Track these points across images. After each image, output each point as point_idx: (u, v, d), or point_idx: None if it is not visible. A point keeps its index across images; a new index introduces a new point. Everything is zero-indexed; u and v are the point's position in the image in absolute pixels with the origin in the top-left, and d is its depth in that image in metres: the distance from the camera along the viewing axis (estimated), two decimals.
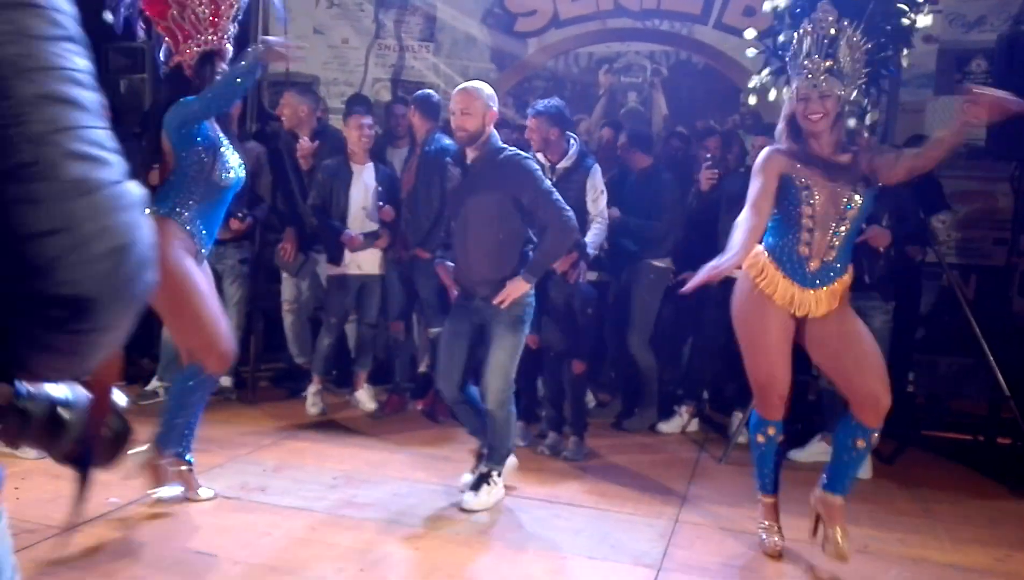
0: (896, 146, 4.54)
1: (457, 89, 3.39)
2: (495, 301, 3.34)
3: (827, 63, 2.85)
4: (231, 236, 4.62)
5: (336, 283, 4.77)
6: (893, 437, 4.52)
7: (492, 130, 3.39)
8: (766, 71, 3.22)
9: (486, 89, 3.40)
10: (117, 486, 3.35)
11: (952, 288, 4.48)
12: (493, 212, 3.35)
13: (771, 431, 3.07)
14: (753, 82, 3.28)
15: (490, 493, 3.41)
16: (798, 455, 4.20)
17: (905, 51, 3.03)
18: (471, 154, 3.38)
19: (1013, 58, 4.33)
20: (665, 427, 4.77)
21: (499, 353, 3.35)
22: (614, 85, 6.06)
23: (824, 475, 3.04)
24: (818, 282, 2.91)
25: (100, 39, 5.68)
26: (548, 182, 3.43)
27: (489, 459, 3.46)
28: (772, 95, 3.23)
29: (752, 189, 2.90)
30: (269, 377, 5.36)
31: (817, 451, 4.34)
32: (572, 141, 4.50)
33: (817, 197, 2.88)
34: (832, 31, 2.83)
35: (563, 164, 4.44)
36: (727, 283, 4.54)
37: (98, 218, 0.68)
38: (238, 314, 4.86)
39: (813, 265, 2.90)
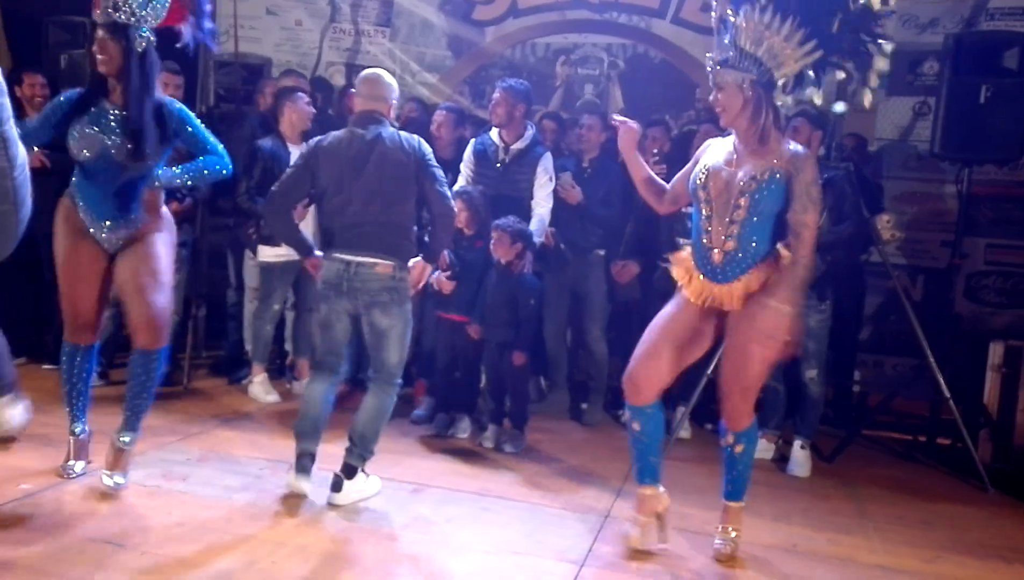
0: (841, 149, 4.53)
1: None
2: None
3: (718, 55, 2.80)
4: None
5: (278, 269, 4.66)
6: (834, 436, 4.54)
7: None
8: None
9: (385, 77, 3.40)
10: (32, 475, 3.25)
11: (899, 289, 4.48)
12: (390, 190, 3.31)
13: (625, 415, 3.07)
14: None
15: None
16: None
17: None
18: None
19: (959, 59, 4.34)
20: None
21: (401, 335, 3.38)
22: (571, 77, 6.00)
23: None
24: (726, 276, 2.83)
25: (40, 11, 5.54)
26: None
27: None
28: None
29: None
30: (208, 365, 5.24)
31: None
32: (529, 125, 4.49)
33: (712, 182, 2.83)
34: (718, 21, 2.78)
35: (517, 145, 4.43)
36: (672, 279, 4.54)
37: (24, 189, 0.89)
38: (176, 299, 4.74)
39: (716, 257, 2.84)
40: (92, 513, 2.97)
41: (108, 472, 3.16)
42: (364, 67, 6.00)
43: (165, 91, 4.11)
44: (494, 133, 4.50)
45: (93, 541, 2.74)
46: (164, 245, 3.23)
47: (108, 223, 3.15)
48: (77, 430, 3.31)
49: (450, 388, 4.39)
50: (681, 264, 2.97)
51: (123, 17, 3.04)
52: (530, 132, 4.48)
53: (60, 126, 3.11)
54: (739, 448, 2.96)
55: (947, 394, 4.23)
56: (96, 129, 3.08)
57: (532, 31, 6.03)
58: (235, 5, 5.29)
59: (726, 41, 2.79)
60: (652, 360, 2.93)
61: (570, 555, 2.95)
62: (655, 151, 4.49)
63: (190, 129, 3.24)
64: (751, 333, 2.80)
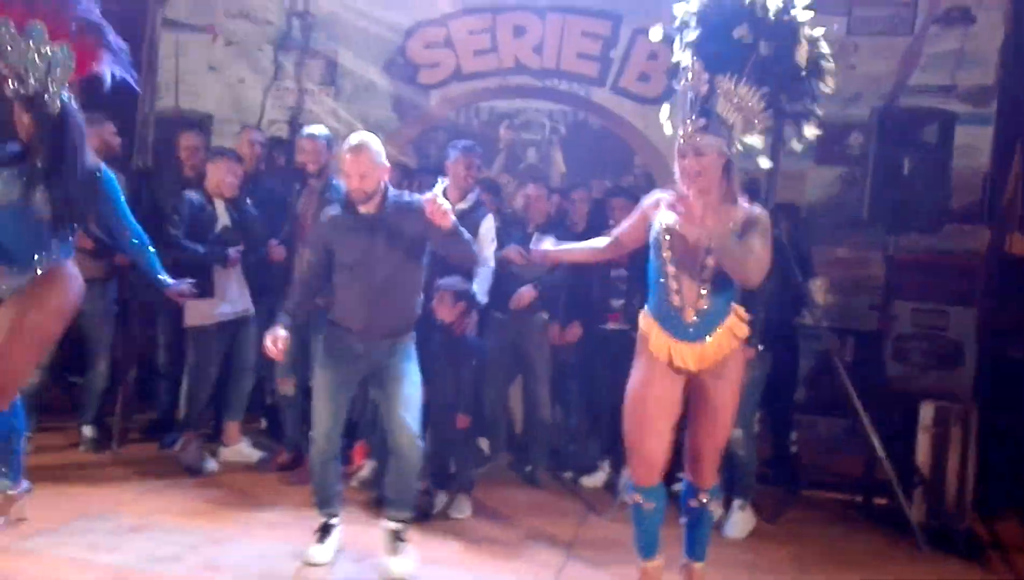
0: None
1: (350, 150, 3.27)
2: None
3: (701, 122, 2.83)
4: (101, 274, 4.37)
5: (211, 332, 4.43)
6: (774, 496, 4.59)
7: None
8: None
9: (375, 145, 3.33)
10: None
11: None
12: (401, 258, 3.28)
13: (637, 498, 2.99)
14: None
15: (412, 549, 3.31)
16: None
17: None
18: (365, 206, 3.30)
19: (884, 131, 4.58)
20: (588, 481, 4.73)
21: (410, 388, 3.32)
22: (514, 141, 6.13)
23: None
24: (700, 333, 2.87)
25: None
26: None
27: (399, 508, 3.34)
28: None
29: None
30: (140, 428, 5.02)
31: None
32: (474, 188, 4.54)
33: (676, 241, 2.88)
34: (703, 89, 2.85)
35: (462, 205, 4.45)
36: (610, 340, 4.57)
37: None
38: (106, 359, 4.57)
39: (688, 316, 2.86)
40: None
41: None
42: (307, 124, 6.14)
43: (99, 139, 4.11)
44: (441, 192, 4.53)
45: None
46: (44, 305, 3.16)
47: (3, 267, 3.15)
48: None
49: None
50: (650, 329, 2.95)
51: (28, 90, 3.06)
52: (473, 194, 4.54)
53: None
54: (711, 506, 3.05)
55: (882, 454, 4.33)
56: (4, 179, 3.11)
57: (476, 95, 6.14)
58: (177, 60, 5.27)
59: (704, 110, 2.83)
60: (658, 438, 2.92)
61: None
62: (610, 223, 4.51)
63: (112, 202, 3.29)
64: (728, 382, 2.89)
